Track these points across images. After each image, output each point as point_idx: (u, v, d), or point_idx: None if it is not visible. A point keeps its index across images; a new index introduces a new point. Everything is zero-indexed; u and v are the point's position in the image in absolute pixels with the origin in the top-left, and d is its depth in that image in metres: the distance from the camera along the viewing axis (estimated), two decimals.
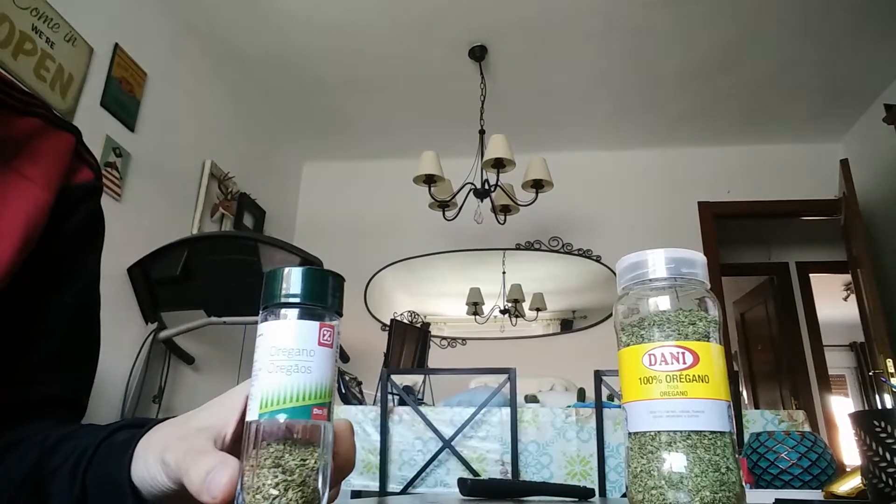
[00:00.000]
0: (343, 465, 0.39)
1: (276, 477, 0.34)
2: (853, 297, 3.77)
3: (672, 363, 0.43)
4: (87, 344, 0.61)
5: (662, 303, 0.45)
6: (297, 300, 0.37)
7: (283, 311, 0.37)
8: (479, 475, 1.93)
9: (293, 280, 0.37)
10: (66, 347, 0.56)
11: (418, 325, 3.76)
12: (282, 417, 0.35)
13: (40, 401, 0.54)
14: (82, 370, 0.60)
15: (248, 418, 0.36)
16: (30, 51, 2.14)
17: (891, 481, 0.67)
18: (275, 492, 0.34)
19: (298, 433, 0.35)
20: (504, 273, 4.03)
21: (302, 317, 0.37)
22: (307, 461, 0.35)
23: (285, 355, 0.36)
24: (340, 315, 0.38)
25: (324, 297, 0.37)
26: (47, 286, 0.55)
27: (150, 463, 0.39)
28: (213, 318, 2.56)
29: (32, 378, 0.54)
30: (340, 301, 0.38)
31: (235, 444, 0.39)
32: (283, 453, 0.34)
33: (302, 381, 0.35)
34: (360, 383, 2.41)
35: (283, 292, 0.37)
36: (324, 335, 0.37)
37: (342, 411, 2.07)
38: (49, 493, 0.44)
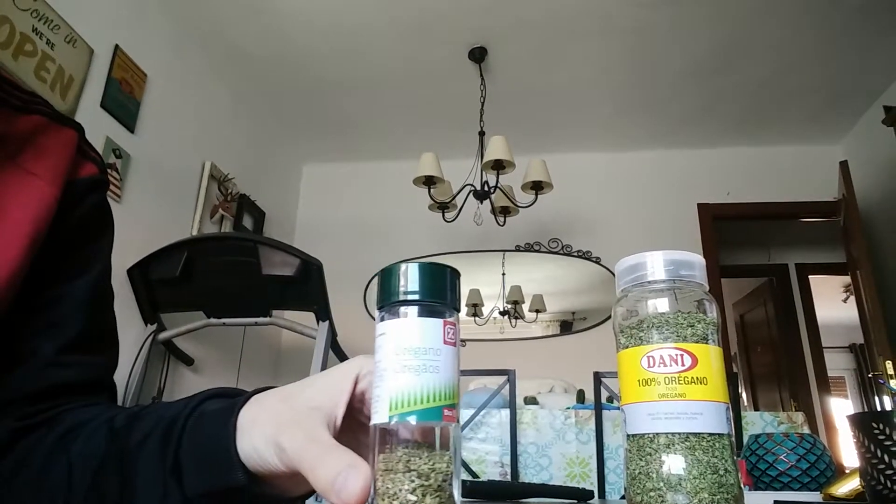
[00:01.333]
0: None
1: (413, 482, 0.32)
2: (853, 298, 3.77)
3: (671, 365, 0.43)
4: (105, 332, 0.60)
5: (661, 305, 0.45)
6: (417, 297, 0.35)
7: (402, 309, 0.35)
8: (478, 477, 1.93)
9: (411, 277, 0.35)
10: (83, 336, 0.55)
11: None
12: (412, 419, 0.33)
13: (72, 383, 0.53)
14: (104, 355, 0.59)
15: (375, 420, 0.34)
16: (30, 52, 2.14)
17: (889, 483, 0.67)
18: (413, 497, 0.32)
19: (430, 436, 0.34)
20: (504, 274, 4.03)
21: (422, 314, 0.35)
22: (439, 465, 0.33)
23: (412, 354, 0.34)
24: (458, 311, 0.37)
25: (444, 294, 0.36)
26: (57, 278, 0.55)
27: (257, 440, 0.37)
28: (213, 320, 2.56)
29: (60, 360, 0.53)
30: (458, 297, 0.37)
31: (345, 427, 0.38)
32: (415, 457, 0.33)
33: (431, 382, 0.34)
34: None
35: (402, 290, 0.35)
36: (448, 333, 0.35)
37: None
38: (135, 470, 0.41)
